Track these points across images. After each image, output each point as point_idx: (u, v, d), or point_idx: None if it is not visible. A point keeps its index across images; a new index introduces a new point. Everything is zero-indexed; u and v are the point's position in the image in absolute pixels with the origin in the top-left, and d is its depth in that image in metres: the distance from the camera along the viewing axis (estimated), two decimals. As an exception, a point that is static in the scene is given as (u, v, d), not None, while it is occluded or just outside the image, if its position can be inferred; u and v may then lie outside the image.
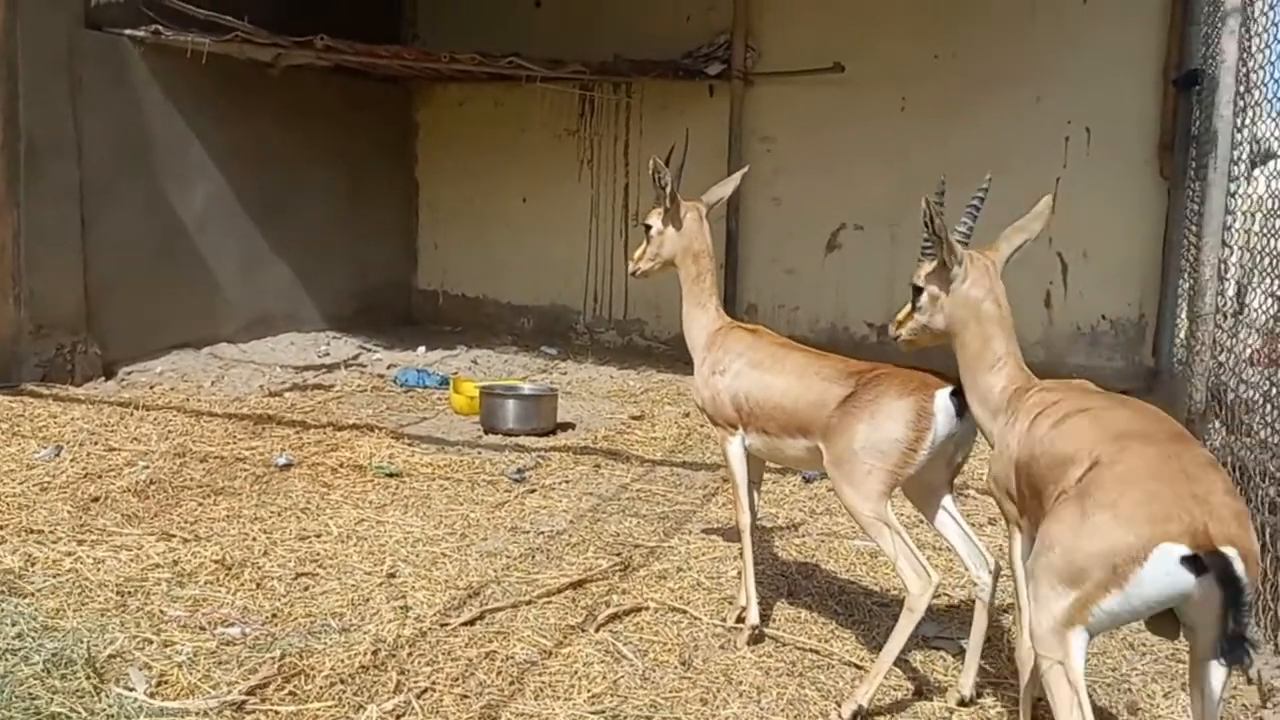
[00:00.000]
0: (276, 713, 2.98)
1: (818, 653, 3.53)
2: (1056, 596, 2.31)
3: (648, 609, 3.85)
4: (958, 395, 3.05)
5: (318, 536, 4.51)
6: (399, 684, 3.20)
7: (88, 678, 3.05)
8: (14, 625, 3.38)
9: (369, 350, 9.06)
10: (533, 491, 5.38)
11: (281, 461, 5.58)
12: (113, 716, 2.86)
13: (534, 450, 6.14)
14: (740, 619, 3.68)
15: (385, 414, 6.99)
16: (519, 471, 5.68)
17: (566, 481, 5.58)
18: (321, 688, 3.15)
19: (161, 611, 3.61)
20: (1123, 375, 8.31)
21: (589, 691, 3.21)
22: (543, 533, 4.72)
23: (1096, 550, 2.22)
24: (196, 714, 2.92)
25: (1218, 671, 2.28)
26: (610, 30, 9.39)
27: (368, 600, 3.85)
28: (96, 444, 5.71)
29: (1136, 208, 8.20)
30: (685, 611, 3.83)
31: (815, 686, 3.31)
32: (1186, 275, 7.08)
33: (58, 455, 5.45)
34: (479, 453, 6.10)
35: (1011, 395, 2.84)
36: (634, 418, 7.11)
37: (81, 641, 3.27)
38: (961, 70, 8.59)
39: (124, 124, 7.55)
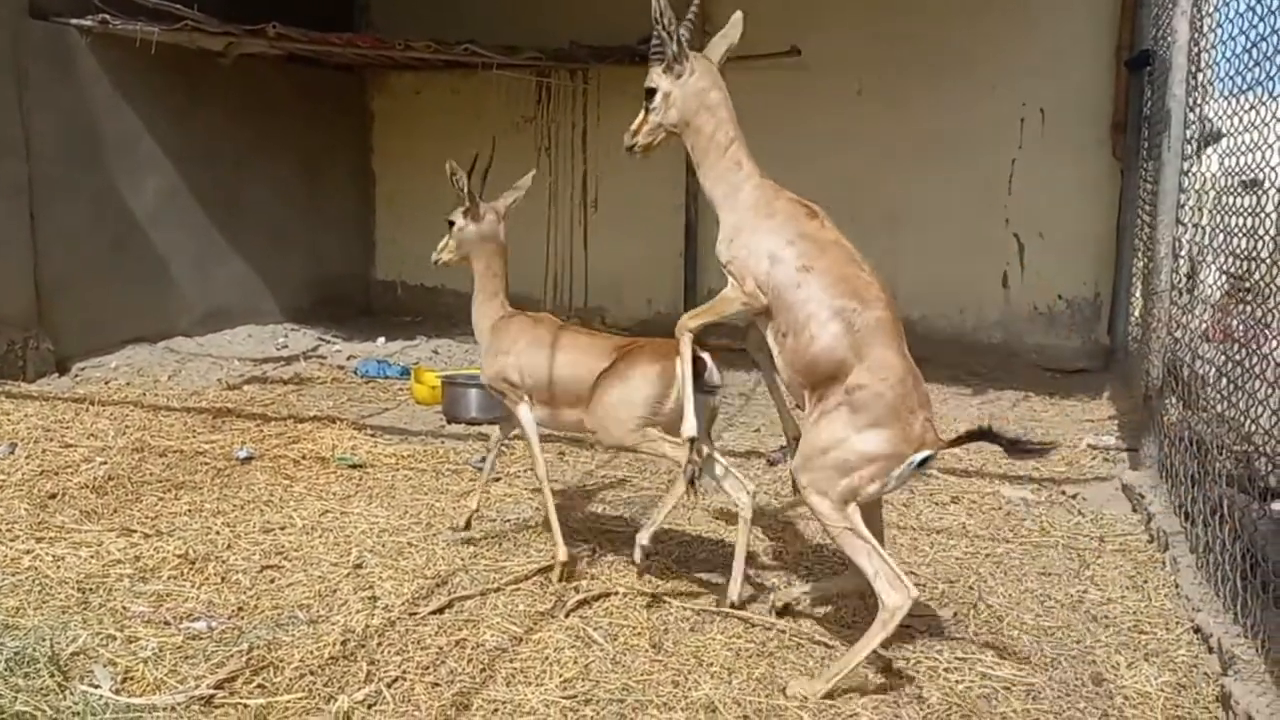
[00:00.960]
0: (246, 706, 2.95)
1: (785, 632, 3.55)
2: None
3: (617, 594, 3.85)
4: (700, 364, 3.59)
5: (282, 529, 4.47)
6: (369, 674, 3.18)
7: (51, 676, 3.00)
8: (-28, 625, 3.32)
9: (328, 342, 8.97)
10: (497, 480, 5.36)
11: (242, 455, 5.51)
12: (79, 714, 2.82)
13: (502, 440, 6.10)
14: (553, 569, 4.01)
15: (346, 405, 6.93)
16: (482, 460, 5.65)
17: (531, 469, 5.56)
18: (291, 679, 3.12)
19: (125, 608, 3.56)
20: (1080, 354, 8.44)
21: (560, 676, 3.21)
22: (509, 520, 4.71)
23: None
24: (164, 709, 2.89)
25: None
26: (566, 16, 9.33)
27: (335, 591, 3.82)
28: (52, 440, 5.61)
29: (1091, 188, 8.30)
30: (654, 595, 3.84)
31: (786, 665, 3.33)
32: (1141, 254, 7.18)
33: (12, 453, 5.36)
34: (442, 442, 6.07)
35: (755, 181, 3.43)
36: (598, 405, 7.09)
37: (44, 640, 3.22)
38: (917, 54, 8.63)
39: (73, 118, 7.40)
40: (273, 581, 3.91)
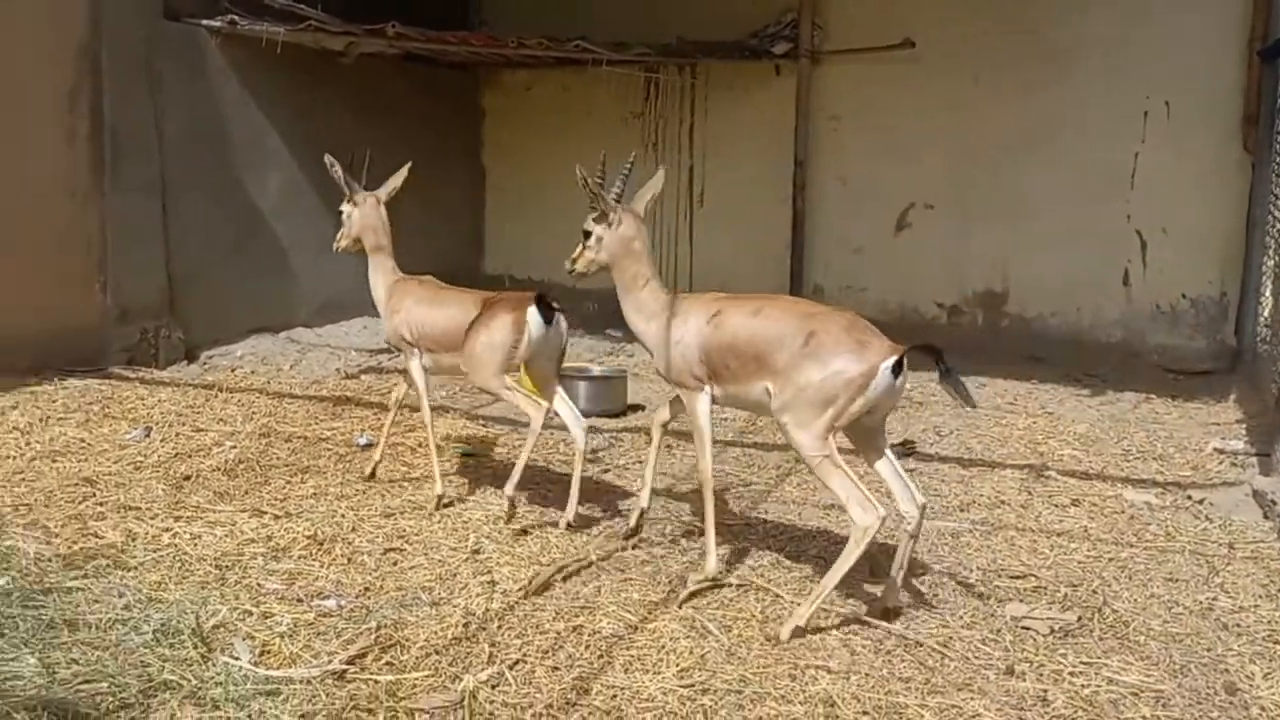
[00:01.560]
0: (376, 681, 3.05)
1: (904, 637, 3.51)
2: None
3: (729, 586, 3.87)
4: (546, 309, 4.35)
5: (402, 514, 4.59)
6: (491, 655, 3.26)
7: (195, 647, 3.15)
8: (121, 597, 3.50)
9: (439, 334, 9.16)
10: (607, 472, 5.42)
11: (362, 442, 5.68)
12: (221, 684, 2.95)
13: (606, 431, 6.19)
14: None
15: (458, 396, 7.08)
16: (593, 452, 5.72)
17: (639, 462, 5.60)
18: (417, 658, 3.22)
19: (259, 585, 3.71)
20: (1204, 355, 8.15)
21: (677, 666, 3.24)
22: (620, 512, 4.75)
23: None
24: (300, 682, 3.00)
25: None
26: (675, 12, 9.36)
27: (455, 575, 3.92)
28: (184, 425, 5.86)
29: (1218, 183, 8.00)
30: (767, 589, 3.84)
31: (904, 664, 3.30)
32: (1272, 251, 6.90)
33: (148, 436, 5.61)
34: (551, 433, 6.14)
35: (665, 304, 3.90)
36: (704, 399, 7.11)
37: (186, 613, 3.38)
38: (1034, 45, 8.43)
39: (202, 115, 7.72)
40: (395, 564, 4.02)
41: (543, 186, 10.32)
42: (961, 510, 4.88)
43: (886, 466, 3.65)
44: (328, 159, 5.02)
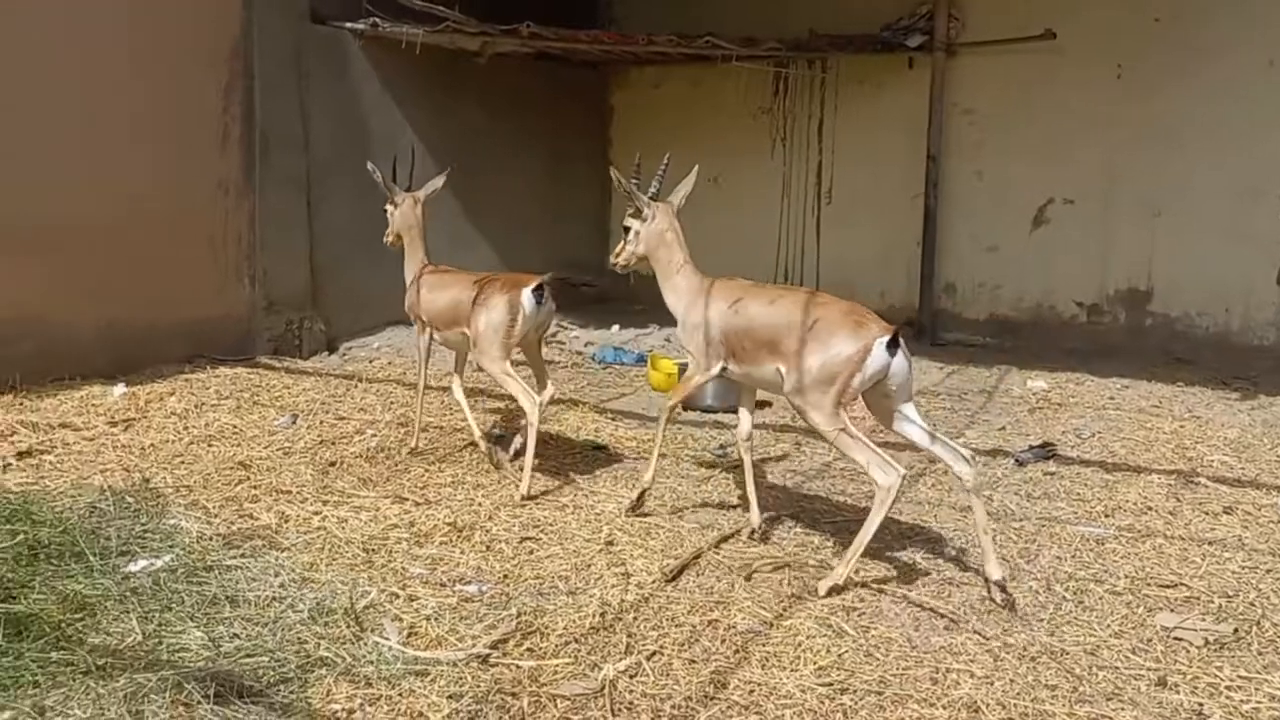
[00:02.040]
0: (519, 666, 3.12)
1: (1049, 647, 3.42)
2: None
3: (868, 586, 3.83)
4: (538, 290, 4.84)
5: (536, 503, 4.68)
6: (629, 646, 3.30)
7: (348, 626, 3.28)
8: (276, 576, 3.66)
9: (565, 328, 9.30)
10: (737, 467, 5.41)
11: (496, 433, 5.80)
12: (373, 662, 3.07)
13: (734, 427, 6.17)
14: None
15: (586, 389, 7.18)
16: (721, 448, 5.73)
17: (769, 458, 5.60)
18: (557, 645, 3.28)
19: (404, 569, 3.83)
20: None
21: (814, 664, 3.22)
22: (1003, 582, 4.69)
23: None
24: (447, 664, 3.09)
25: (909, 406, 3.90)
26: (805, 6, 9.28)
27: (589, 565, 3.98)
28: (327, 413, 6.09)
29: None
30: (907, 598, 3.78)
31: (1049, 671, 3.22)
32: None
33: (294, 423, 5.85)
34: (679, 429, 6.18)
35: (696, 287, 4.33)
36: (832, 397, 7.04)
37: (338, 593, 3.52)
38: (1184, 34, 8.08)
39: (344, 114, 8.00)
40: (532, 553, 4.10)
41: (666, 182, 10.36)
42: (1106, 515, 4.72)
43: (923, 437, 3.89)
44: (370, 166, 5.51)
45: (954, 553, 4.23)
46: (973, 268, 9.13)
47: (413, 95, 8.47)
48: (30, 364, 6.14)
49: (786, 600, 3.69)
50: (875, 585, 3.85)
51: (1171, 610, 3.67)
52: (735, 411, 6.48)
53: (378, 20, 7.80)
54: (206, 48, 7.09)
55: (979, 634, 3.46)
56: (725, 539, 4.30)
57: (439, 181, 5.67)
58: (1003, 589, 3.70)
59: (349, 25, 7.89)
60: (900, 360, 3.80)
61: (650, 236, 4.47)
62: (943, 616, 3.60)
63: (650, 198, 4.50)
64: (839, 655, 3.29)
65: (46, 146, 6.27)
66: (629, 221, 4.54)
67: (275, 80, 7.43)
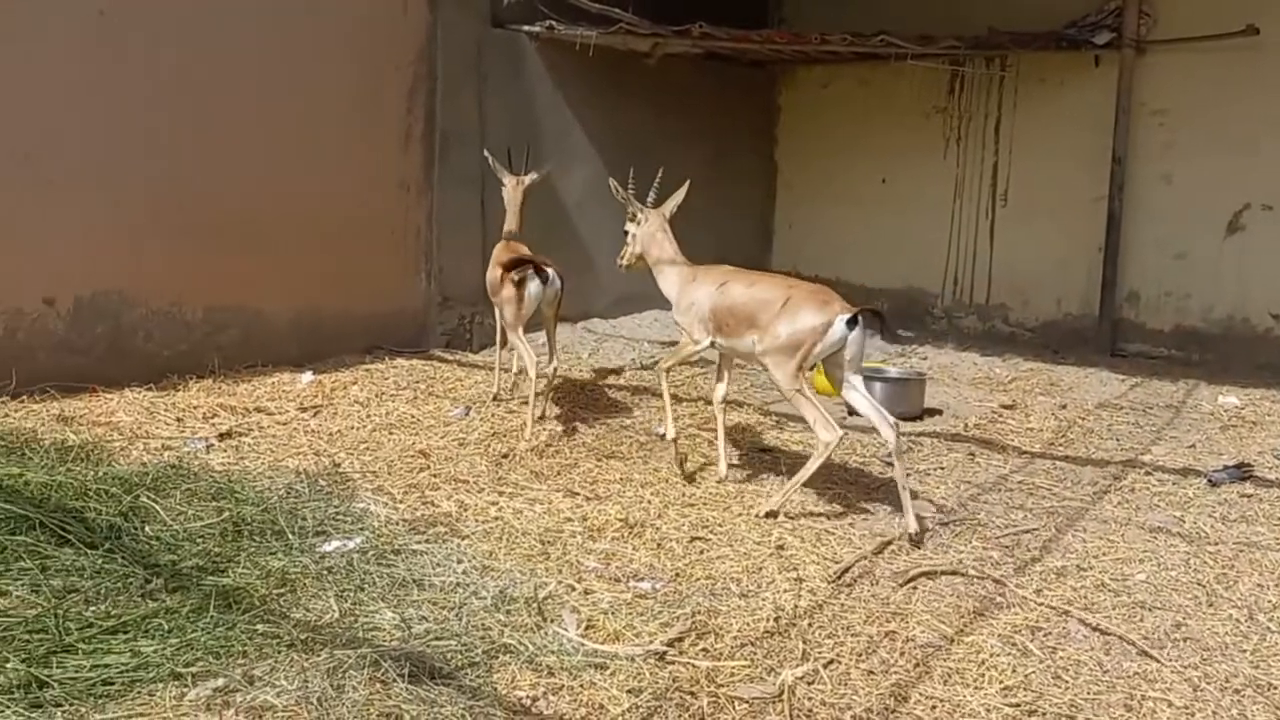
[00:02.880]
0: (695, 666, 3.13)
1: (1254, 680, 3.23)
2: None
3: (1052, 607, 3.69)
4: (540, 272, 5.70)
5: (704, 503, 4.70)
6: (804, 652, 3.27)
7: (530, 615, 3.36)
8: (459, 563, 3.78)
9: (727, 329, 9.29)
10: (909, 474, 5.29)
11: (661, 431, 5.84)
12: (555, 652, 3.13)
13: (903, 435, 6.04)
14: None
15: (750, 391, 7.15)
16: (890, 456, 5.61)
17: (941, 468, 5.46)
18: (732, 647, 3.28)
19: (579, 562, 3.90)
20: None
21: (1000, 683, 3.13)
22: (924, 517, 4.64)
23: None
24: (625, 659, 3.13)
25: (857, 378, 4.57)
26: (984, 3, 8.98)
27: (761, 569, 3.96)
28: (498, 406, 6.25)
29: None
30: (1098, 630, 3.63)
31: (1258, 708, 3.03)
32: None
33: (467, 415, 6.03)
34: (846, 434, 6.05)
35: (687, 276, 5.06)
36: (1005, 406, 6.82)
37: (518, 582, 3.61)
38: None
39: (519, 113, 8.20)
40: (702, 552, 4.12)
41: (833, 182, 10.24)
42: (1313, 544, 4.41)
43: (862, 402, 4.56)
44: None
45: (1143, 576, 4.03)
46: (1158, 276, 8.66)
47: (583, 94, 8.61)
48: (231, 350, 6.54)
49: (967, 615, 3.60)
50: (1059, 606, 3.71)
51: None
52: (903, 419, 6.40)
53: (553, 23, 7.96)
54: (394, 55, 7.38)
55: (1175, 661, 3.29)
56: (886, 544, 4.24)
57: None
58: (917, 543, 4.27)
59: (526, 28, 8.08)
60: (856, 335, 4.46)
61: (644, 237, 5.22)
62: (1133, 644, 3.43)
63: (650, 205, 5.26)
64: (1025, 675, 3.18)
65: (254, 151, 6.66)
66: (627, 226, 5.28)
67: (456, 82, 7.67)
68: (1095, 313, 8.82)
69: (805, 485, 4.61)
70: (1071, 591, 3.86)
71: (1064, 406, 6.84)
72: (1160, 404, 6.97)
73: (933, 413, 6.66)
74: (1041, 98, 9.04)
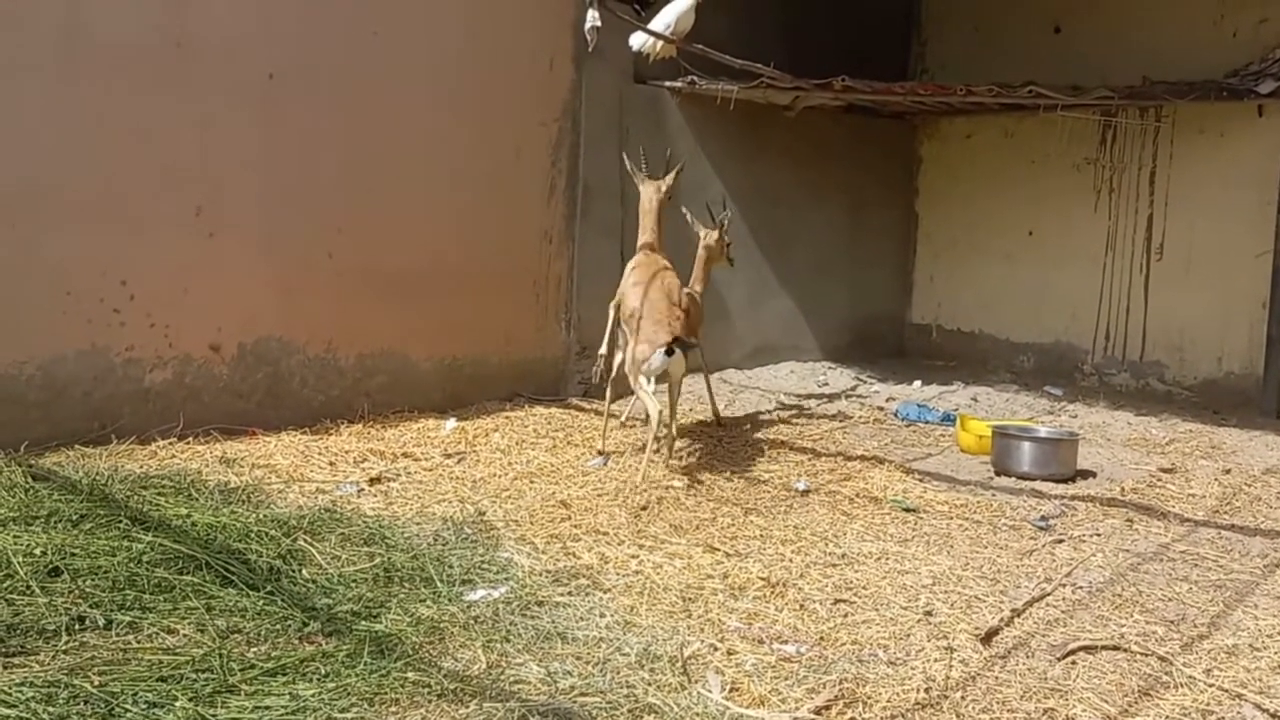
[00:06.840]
0: (844, 736, 3.06)
1: None
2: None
3: (1225, 690, 3.47)
4: (680, 344, 5.96)
5: (847, 564, 4.60)
6: (957, 728, 3.15)
7: (674, 674, 3.34)
8: (602, 617, 3.79)
9: (865, 382, 9.15)
10: (1061, 541, 5.09)
11: (801, 487, 5.77)
12: (699, 715, 3.09)
13: (1055, 497, 5.82)
14: None
15: (890, 447, 7.00)
16: (1043, 519, 5.41)
17: (1098, 534, 5.22)
18: (881, 717, 3.19)
19: (721, 621, 3.86)
20: None
21: (1172, 771, 2.94)
22: (1080, 587, 4.44)
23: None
24: (771, 725, 3.08)
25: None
26: (1136, 52, 8.72)
27: (908, 635, 3.85)
28: (635, 456, 6.27)
29: None
30: (1278, 715, 3.39)
31: None
32: None
33: (606, 464, 6.07)
34: (993, 494, 5.90)
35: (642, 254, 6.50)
36: (1164, 470, 6.49)
37: (660, 639, 3.59)
38: None
39: (659, 166, 8.28)
40: (846, 616, 4.02)
41: (977, 234, 10.03)
42: None
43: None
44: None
45: (1328, 659, 3.75)
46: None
47: (723, 146, 8.68)
48: (380, 396, 6.78)
49: (1131, 694, 3.41)
50: (1232, 689, 3.48)
51: None
52: (1054, 480, 6.18)
53: (695, 78, 8.07)
54: (541, 111, 7.60)
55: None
56: (1033, 602, 4.07)
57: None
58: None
59: (668, 84, 8.21)
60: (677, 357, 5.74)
61: (642, 202, 6.47)
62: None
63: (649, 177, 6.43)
64: (1201, 766, 2.99)
65: (406, 206, 6.95)
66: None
67: (599, 137, 7.84)
68: (1259, 372, 8.34)
69: (945, 541, 4.46)
70: (1244, 672, 3.62)
71: (1228, 471, 6.47)
72: None
73: (1086, 474, 6.39)
74: (1200, 148, 8.68)
